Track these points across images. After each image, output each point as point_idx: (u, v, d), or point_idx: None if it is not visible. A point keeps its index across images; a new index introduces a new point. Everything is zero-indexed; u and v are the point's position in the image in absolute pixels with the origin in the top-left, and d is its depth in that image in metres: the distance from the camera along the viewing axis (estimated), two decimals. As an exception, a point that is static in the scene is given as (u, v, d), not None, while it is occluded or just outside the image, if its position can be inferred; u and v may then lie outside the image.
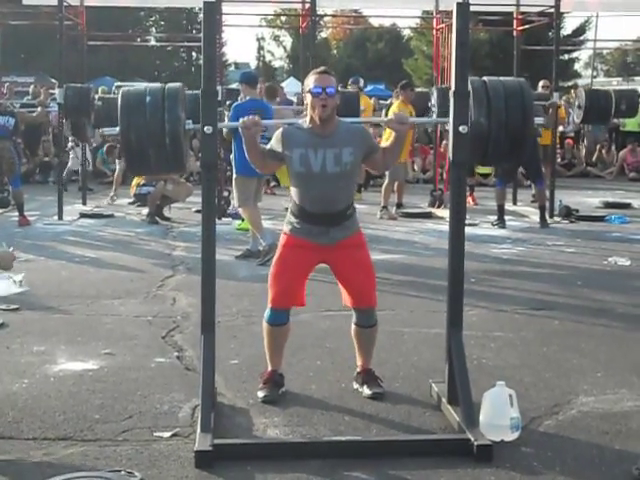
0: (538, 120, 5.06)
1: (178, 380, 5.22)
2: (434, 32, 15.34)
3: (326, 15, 19.60)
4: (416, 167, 17.97)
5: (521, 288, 7.96)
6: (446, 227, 4.93)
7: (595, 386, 5.19)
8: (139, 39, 37.03)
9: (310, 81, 4.73)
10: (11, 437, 4.33)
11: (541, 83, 13.71)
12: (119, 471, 3.89)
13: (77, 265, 8.94)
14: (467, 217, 5.11)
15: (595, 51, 28.24)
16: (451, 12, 5.10)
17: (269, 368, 5.01)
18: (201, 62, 4.69)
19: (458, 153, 4.63)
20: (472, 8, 5.18)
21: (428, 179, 16.81)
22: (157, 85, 4.76)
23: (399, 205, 13.15)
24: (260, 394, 4.89)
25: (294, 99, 18.16)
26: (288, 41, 51.79)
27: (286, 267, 4.85)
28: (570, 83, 29.62)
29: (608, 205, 13.95)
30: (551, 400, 4.93)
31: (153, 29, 47.31)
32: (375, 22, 45.15)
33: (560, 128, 15.89)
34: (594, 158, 19.99)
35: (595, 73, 32.80)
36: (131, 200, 13.62)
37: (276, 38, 54.18)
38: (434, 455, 4.16)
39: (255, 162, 4.90)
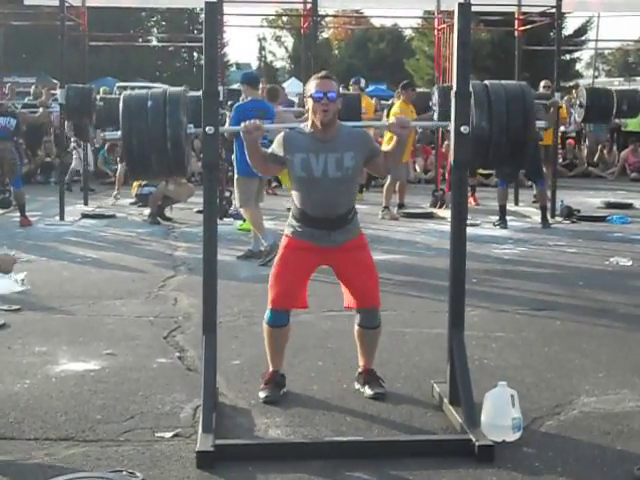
0: (540, 123, 5.05)
1: (180, 380, 5.22)
2: (435, 32, 15.33)
3: (327, 15, 19.61)
4: (418, 168, 17.96)
5: (523, 288, 7.96)
6: (448, 227, 4.93)
7: (597, 386, 5.19)
8: (141, 39, 37.07)
9: (311, 86, 4.74)
10: (13, 437, 4.33)
11: (542, 83, 13.70)
12: (121, 471, 3.89)
13: (79, 265, 8.94)
14: (469, 217, 5.11)
15: (596, 51, 28.29)
16: (452, 12, 5.10)
17: (270, 369, 5.01)
18: (202, 62, 4.69)
19: (460, 153, 4.63)
20: (473, 8, 5.17)
21: (430, 179, 16.81)
22: (159, 89, 4.76)
23: (401, 205, 13.15)
24: (262, 394, 4.89)
25: (295, 99, 18.17)
26: (289, 41, 51.82)
27: (287, 268, 4.85)
28: (571, 83, 29.60)
29: (610, 205, 13.94)
30: (553, 400, 4.93)
31: (155, 29, 47.39)
32: (377, 22, 45.21)
33: (562, 128, 15.89)
34: (596, 158, 19.98)
35: (596, 73, 32.85)
36: (133, 200, 13.64)
37: (277, 38, 54.22)
38: (436, 455, 4.16)
39: (257, 166, 4.90)
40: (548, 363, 5.66)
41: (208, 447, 4.07)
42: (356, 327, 5.01)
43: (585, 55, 40.01)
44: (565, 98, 15.14)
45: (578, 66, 37.61)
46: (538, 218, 12.00)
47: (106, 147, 17.06)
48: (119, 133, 4.53)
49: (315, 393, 5.03)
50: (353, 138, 4.80)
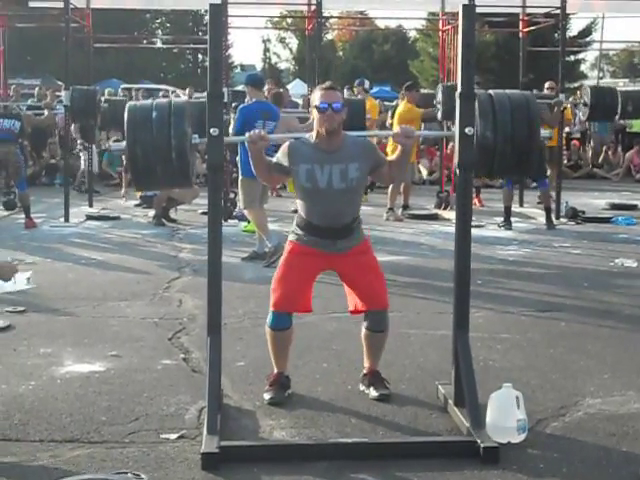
0: (544, 133, 5.05)
1: (184, 382, 5.22)
2: (440, 34, 15.34)
3: (332, 17, 19.56)
4: (423, 170, 17.90)
5: (527, 290, 7.95)
6: (452, 229, 4.92)
7: (602, 388, 5.18)
8: (145, 41, 37.14)
9: (316, 97, 4.74)
10: (18, 439, 4.33)
11: (547, 84, 13.69)
12: (126, 473, 3.90)
13: (83, 267, 8.95)
14: (473, 219, 5.11)
15: (601, 52, 28.26)
16: (457, 14, 5.11)
17: (275, 370, 5.01)
18: (207, 64, 4.69)
19: (464, 155, 4.62)
20: (478, 10, 5.18)
21: (434, 180, 16.79)
22: (163, 100, 4.76)
23: (405, 207, 13.13)
24: (266, 396, 4.89)
25: (300, 101, 18.18)
26: (294, 43, 51.82)
27: (291, 271, 4.85)
28: (576, 84, 29.56)
29: (614, 206, 13.91)
30: (558, 402, 4.92)
31: (159, 31, 47.41)
32: (381, 24, 45.06)
33: (566, 129, 15.87)
34: (600, 159, 19.95)
35: (601, 74, 32.84)
36: (137, 202, 13.65)
37: (282, 40, 54.21)
38: (440, 457, 4.16)
39: (261, 175, 4.92)
40: (553, 364, 5.65)
41: (213, 449, 4.07)
42: (364, 330, 5.01)
43: (590, 56, 40.03)
44: (570, 99, 15.09)
45: (583, 67, 37.60)
46: (543, 219, 11.98)
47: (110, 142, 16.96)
48: (124, 144, 4.54)
49: (320, 395, 5.03)
50: (358, 149, 4.81)
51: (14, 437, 4.35)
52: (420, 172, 17.60)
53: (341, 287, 5.08)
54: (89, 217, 12.59)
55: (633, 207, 13.92)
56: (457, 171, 4.72)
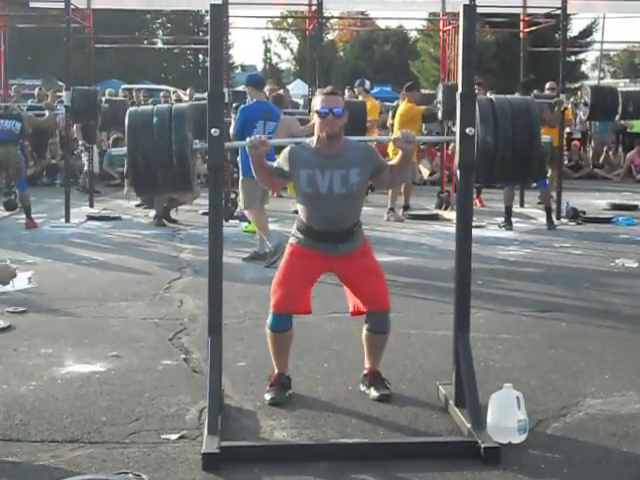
0: (545, 139, 5.05)
1: (185, 382, 5.23)
2: (441, 34, 15.34)
3: (333, 17, 19.56)
4: (424, 170, 17.88)
5: (528, 290, 7.96)
6: (453, 229, 4.92)
7: (602, 388, 5.18)
8: (146, 42, 37.20)
9: (317, 102, 4.75)
10: (18, 439, 4.34)
11: (548, 85, 13.69)
12: (126, 473, 3.90)
13: (84, 267, 8.95)
14: (474, 219, 5.11)
15: (602, 53, 28.25)
16: (458, 14, 5.11)
17: (276, 371, 5.01)
18: (208, 64, 4.69)
19: (465, 155, 4.62)
20: (479, 10, 5.18)
21: (435, 181, 16.79)
22: (164, 106, 4.76)
23: (406, 207, 13.14)
24: (267, 396, 4.89)
25: (300, 101, 18.18)
26: (295, 43, 51.86)
27: (292, 273, 4.85)
28: (577, 85, 29.57)
29: (615, 207, 13.91)
30: (558, 402, 4.92)
31: (160, 32, 47.43)
32: (382, 24, 44.98)
33: (567, 130, 15.86)
34: (601, 160, 19.95)
35: (602, 75, 32.81)
36: (138, 202, 13.65)
37: (283, 40, 54.27)
38: (441, 457, 4.16)
39: (262, 179, 4.93)
40: (554, 365, 5.65)
41: (214, 449, 4.07)
42: (365, 331, 5.00)
43: (590, 56, 40.10)
44: (571, 99, 15.12)
45: (583, 67, 37.63)
46: (544, 220, 11.98)
47: (110, 141, 16.92)
48: (124, 149, 4.54)
49: (320, 395, 5.03)
50: (359, 154, 4.81)
51: (15, 437, 4.36)
52: (420, 172, 17.60)
53: (341, 287, 5.08)
54: (90, 217, 12.59)
55: (634, 207, 13.91)
56: (458, 171, 4.72)
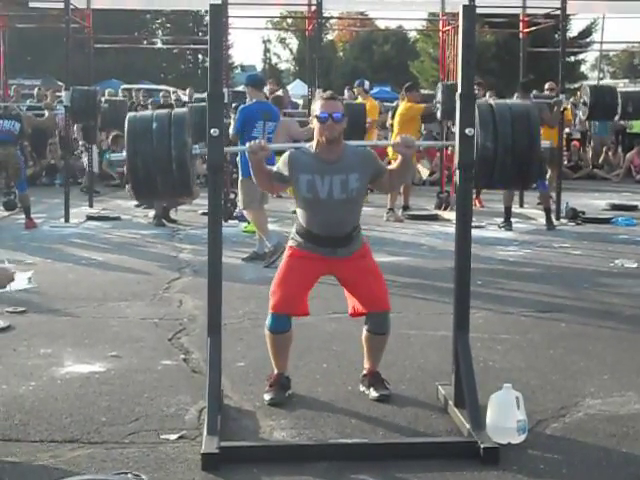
0: (545, 144, 5.05)
1: (184, 382, 5.23)
2: (440, 34, 15.33)
3: (332, 17, 19.54)
4: (423, 170, 17.84)
5: (528, 290, 7.96)
6: (452, 229, 4.92)
7: (602, 388, 5.19)
8: (145, 42, 37.18)
9: (317, 106, 4.75)
10: (18, 439, 4.34)
11: (547, 85, 13.69)
12: (126, 473, 3.90)
13: (84, 267, 8.95)
14: (473, 219, 5.11)
15: (601, 53, 28.18)
16: (457, 14, 5.11)
17: (275, 371, 5.01)
18: (207, 65, 4.69)
19: (464, 155, 4.62)
20: (478, 10, 5.18)
21: (434, 181, 16.78)
22: (164, 111, 4.76)
23: (405, 207, 13.14)
24: (266, 397, 4.89)
25: (300, 101, 18.18)
26: (294, 43, 51.89)
27: (291, 274, 4.86)
28: (576, 85, 29.58)
29: (615, 207, 13.91)
30: (558, 403, 4.92)
31: (159, 32, 47.44)
32: (381, 24, 45.01)
33: (566, 130, 15.86)
34: (601, 160, 19.95)
35: (601, 75, 32.80)
36: (137, 203, 13.64)
37: (282, 40, 54.29)
38: (440, 458, 4.16)
39: (262, 184, 4.94)
40: (553, 365, 5.65)
41: (213, 449, 4.07)
42: (365, 332, 5.00)
43: (590, 57, 40.11)
44: (570, 100, 15.12)
45: (583, 68, 37.68)
46: (543, 220, 11.98)
47: (110, 139, 16.91)
48: (124, 154, 4.54)
49: (320, 395, 5.03)
50: (358, 159, 4.81)
51: (14, 437, 4.36)
52: (419, 172, 17.58)
53: (341, 288, 5.08)
54: (89, 217, 12.59)
55: (633, 208, 13.92)
56: (457, 172, 4.72)
